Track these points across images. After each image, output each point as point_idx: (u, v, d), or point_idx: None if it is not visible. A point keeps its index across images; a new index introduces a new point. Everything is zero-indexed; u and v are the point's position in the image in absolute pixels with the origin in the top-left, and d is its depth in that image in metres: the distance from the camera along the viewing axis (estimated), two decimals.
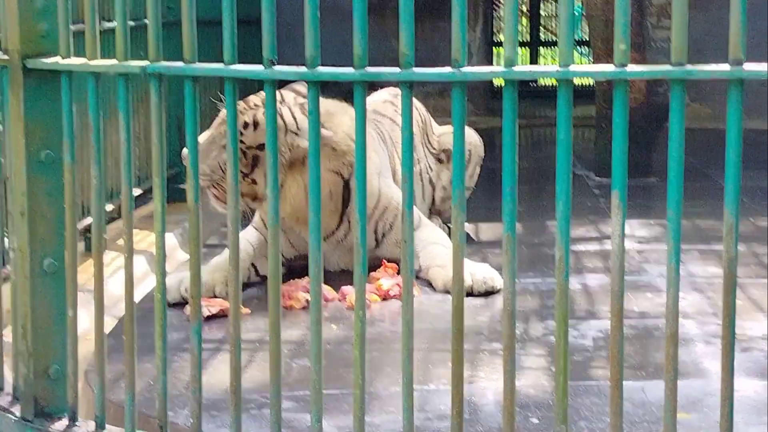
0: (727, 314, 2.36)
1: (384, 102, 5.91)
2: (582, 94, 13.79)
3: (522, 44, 15.83)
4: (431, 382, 3.78)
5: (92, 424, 2.99)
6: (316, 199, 2.63)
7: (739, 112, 2.31)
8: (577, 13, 14.89)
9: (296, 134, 4.96)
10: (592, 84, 13.76)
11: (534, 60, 15.87)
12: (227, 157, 2.73)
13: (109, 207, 6.18)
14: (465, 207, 2.53)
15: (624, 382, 3.72)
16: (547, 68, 2.44)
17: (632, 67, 2.36)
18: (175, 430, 3.05)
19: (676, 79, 2.32)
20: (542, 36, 16.40)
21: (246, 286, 4.96)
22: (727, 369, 2.38)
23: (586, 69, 2.45)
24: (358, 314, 2.59)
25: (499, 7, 14.68)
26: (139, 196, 6.78)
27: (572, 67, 2.39)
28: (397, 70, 2.49)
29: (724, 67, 2.30)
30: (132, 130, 2.84)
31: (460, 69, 2.45)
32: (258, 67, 2.62)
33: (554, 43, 16.22)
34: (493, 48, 14.18)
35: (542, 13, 16.57)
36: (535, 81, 14.82)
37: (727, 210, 2.35)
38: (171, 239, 6.30)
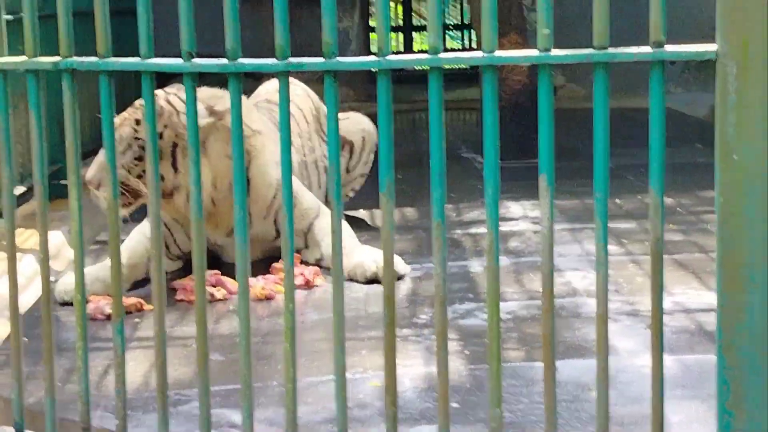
0: (655, 292, 2.41)
1: (276, 91, 5.87)
2: (459, 78, 13.81)
3: (395, 29, 15.90)
4: (346, 371, 3.77)
5: (10, 431, 2.91)
6: (241, 191, 2.60)
7: (661, 93, 2.35)
8: None
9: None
10: (467, 68, 13.87)
11: (408, 45, 15.94)
12: (147, 156, 2.67)
13: None
14: (393, 195, 2.52)
15: (535, 363, 3.79)
16: (473, 54, 2.45)
17: (556, 52, 2.39)
18: None
19: (599, 62, 2.36)
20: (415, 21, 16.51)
21: (147, 281, 4.88)
22: (656, 346, 2.43)
23: (510, 54, 2.47)
24: (288, 307, 2.57)
25: None
26: (22, 194, 6.58)
27: (497, 53, 2.40)
28: (321, 60, 2.48)
29: (646, 49, 2.34)
30: (11, 127, 2.77)
31: (386, 57, 2.44)
32: (177, 61, 2.58)
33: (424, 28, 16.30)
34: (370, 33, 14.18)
35: None
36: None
37: (652, 190, 2.39)
38: (58, 237, 6.16)
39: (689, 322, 4.20)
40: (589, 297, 4.48)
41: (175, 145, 4.92)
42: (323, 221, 5.19)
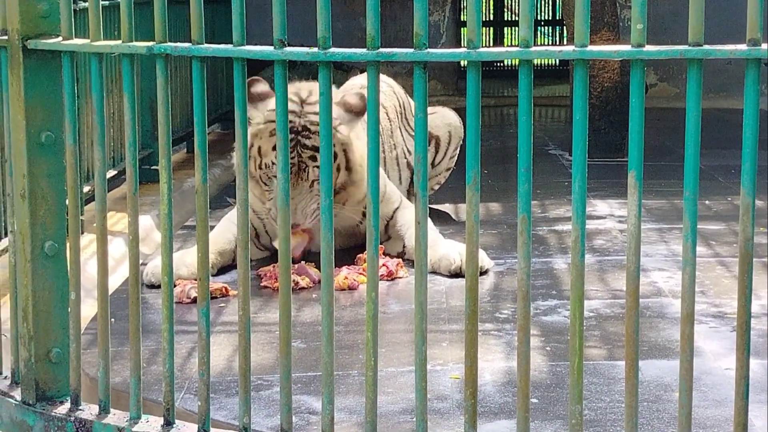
0: (743, 293, 2.37)
1: (363, 86, 5.88)
2: (548, 74, 13.70)
3: (486, 24, 15.87)
4: (427, 362, 3.77)
5: (95, 408, 2.96)
6: (327, 176, 2.61)
7: (756, 92, 2.31)
8: None
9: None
10: (556, 63, 13.80)
11: (499, 41, 15.89)
12: (279, 145, 2.64)
13: (86, 188, 6.11)
14: (479, 188, 2.51)
15: (617, 362, 3.77)
16: (564, 48, 2.43)
17: (649, 48, 2.36)
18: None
19: (693, 59, 2.32)
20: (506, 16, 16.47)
21: (233, 268, 4.93)
22: (742, 349, 2.39)
23: (602, 49, 2.45)
24: (370, 296, 2.58)
25: None
26: (113, 177, 6.69)
27: (589, 47, 2.39)
28: (411, 50, 2.48)
29: (742, 47, 2.30)
30: (106, 110, 2.82)
31: (476, 49, 2.44)
32: (268, 48, 2.60)
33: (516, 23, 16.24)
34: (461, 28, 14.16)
35: None
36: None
37: (744, 190, 2.35)
38: (147, 221, 6.25)
39: None
40: (674, 298, 4.44)
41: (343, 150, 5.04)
42: (406, 214, 5.20)
